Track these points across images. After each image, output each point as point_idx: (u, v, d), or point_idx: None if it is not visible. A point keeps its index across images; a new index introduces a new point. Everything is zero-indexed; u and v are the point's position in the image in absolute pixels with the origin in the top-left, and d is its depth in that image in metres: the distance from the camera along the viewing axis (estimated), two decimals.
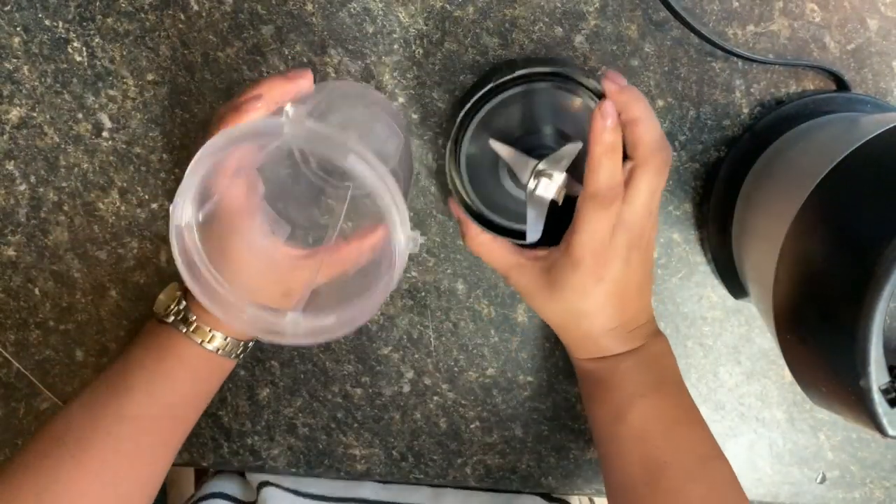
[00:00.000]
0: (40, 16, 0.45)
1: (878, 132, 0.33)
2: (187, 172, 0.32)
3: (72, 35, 0.46)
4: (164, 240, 0.49)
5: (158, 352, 0.43)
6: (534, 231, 0.40)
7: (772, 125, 0.45)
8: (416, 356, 0.51)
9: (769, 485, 0.52)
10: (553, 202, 0.40)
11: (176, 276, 0.49)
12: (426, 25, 0.45)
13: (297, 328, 0.35)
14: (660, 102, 0.46)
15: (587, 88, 0.41)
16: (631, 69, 0.45)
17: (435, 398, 0.51)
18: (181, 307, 0.44)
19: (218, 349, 0.43)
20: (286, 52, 0.45)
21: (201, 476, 1.04)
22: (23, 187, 0.48)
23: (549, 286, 0.42)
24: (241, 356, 0.46)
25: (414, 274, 0.49)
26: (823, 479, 0.52)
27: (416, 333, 0.50)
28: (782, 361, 0.36)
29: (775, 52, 0.45)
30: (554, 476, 0.53)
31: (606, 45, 0.45)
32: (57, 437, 0.41)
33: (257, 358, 0.51)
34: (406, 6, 0.44)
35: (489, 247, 0.44)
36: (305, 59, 0.45)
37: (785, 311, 0.35)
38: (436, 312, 0.50)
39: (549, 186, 0.39)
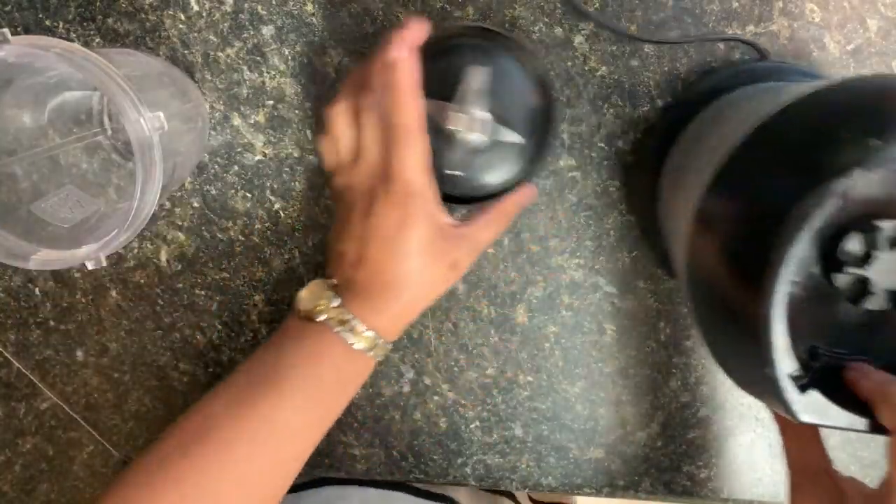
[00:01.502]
0: (41, 16, 0.45)
1: (790, 102, 0.30)
2: None
3: (72, 35, 0.46)
4: (164, 239, 0.49)
5: (311, 355, 0.40)
6: (460, 171, 0.40)
7: (700, 95, 0.42)
8: (416, 356, 0.51)
9: (769, 485, 0.52)
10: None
11: (179, 274, 0.49)
12: None
13: (90, 252, 0.37)
14: (659, 103, 0.46)
15: (504, 36, 0.40)
16: (631, 69, 0.45)
17: (435, 398, 0.51)
18: (335, 305, 0.41)
19: (368, 349, 0.41)
20: (286, 52, 0.45)
21: None
22: (24, 185, 0.48)
23: None
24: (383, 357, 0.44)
25: None
26: None
27: (416, 333, 0.50)
28: None
29: (775, 52, 0.45)
30: (554, 476, 0.53)
31: (606, 45, 0.45)
32: (199, 435, 0.38)
33: None
34: (406, 6, 0.44)
35: None
36: (305, 60, 0.45)
37: (697, 297, 0.32)
38: (436, 312, 0.50)
39: (464, 122, 0.38)
